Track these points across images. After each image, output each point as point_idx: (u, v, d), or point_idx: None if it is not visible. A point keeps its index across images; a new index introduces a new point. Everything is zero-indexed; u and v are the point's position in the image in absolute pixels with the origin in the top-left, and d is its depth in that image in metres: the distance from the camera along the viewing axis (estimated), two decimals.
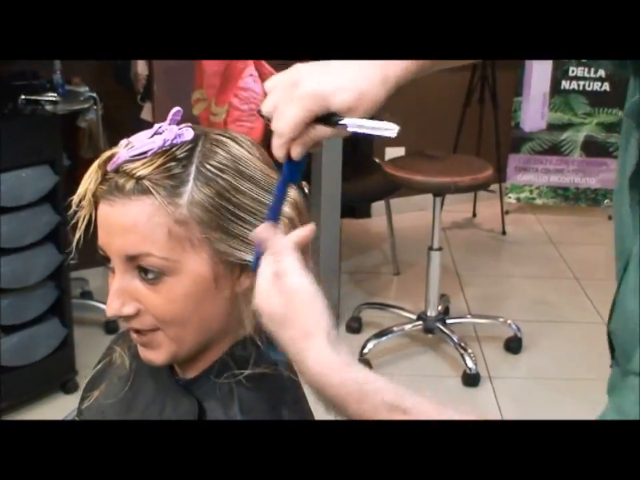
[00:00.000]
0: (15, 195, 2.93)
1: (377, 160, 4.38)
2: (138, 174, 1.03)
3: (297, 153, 1.02)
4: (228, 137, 1.10)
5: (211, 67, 3.27)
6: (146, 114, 3.51)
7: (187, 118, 3.57)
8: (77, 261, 3.42)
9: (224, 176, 1.05)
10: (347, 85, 1.02)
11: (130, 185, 1.03)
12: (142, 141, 1.06)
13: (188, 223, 1.04)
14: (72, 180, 3.69)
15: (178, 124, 1.12)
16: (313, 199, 3.75)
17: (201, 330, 1.10)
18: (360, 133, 1.03)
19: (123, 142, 1.09)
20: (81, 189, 1.07)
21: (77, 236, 1.09)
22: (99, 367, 1.30)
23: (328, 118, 1.02)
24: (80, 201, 1.07)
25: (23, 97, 3.11)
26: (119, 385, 1.22)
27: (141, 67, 3.49)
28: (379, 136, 1.04)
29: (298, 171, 1.06)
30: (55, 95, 3.23)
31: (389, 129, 1.02)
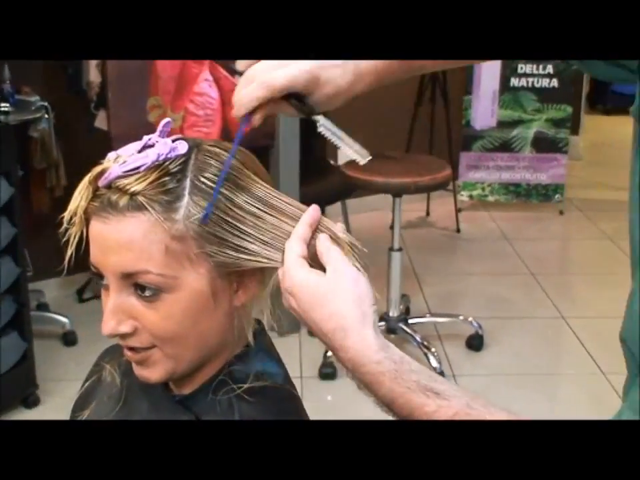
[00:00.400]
0: None
1: (331, 162, 4.37)
2: (132, 190, 1.00)
3: (256, 119, 1.10)
4: (221, 148, 1.07)
5: (166, 72, 3.24)
6: (100, 122, 3.47)
7: (143, 125, 3.52)
8: (32, 272, 3.39)
9: (219, 188, 1.03)
10: (306, 70, 1.07)
11: (124, 201, 1.01)
12: (134, 155, 1.03)
13: (185, 239, 1.02)
14: (25, 191, 3.65)
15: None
16: None
17: (199, 346, 1.07)
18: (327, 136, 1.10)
19: (112, 155, 1.06)
20: (71, 206, 1.04)
21: (68, 254, 1.06)
22: (87, 385, 1.26)
23: (302, 100, 1.09)
24: (71, 218, 1.04)
25: None
26: (110, 404, 1.19)
27: (94, 74, 3.44)
28: (342, 149, 1.10)
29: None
30: (7, 105, 3.18)
31: (360, 154, 1.11)
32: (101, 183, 1.03)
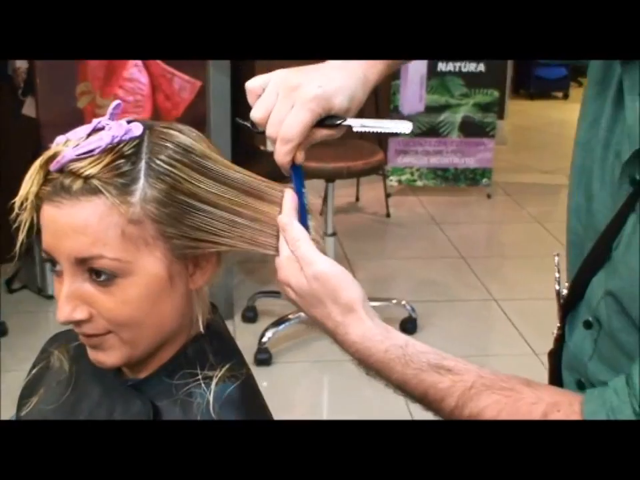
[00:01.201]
0: None
1: (262, 147, 4.35)
2: (86, 173, 0.99)
3: (301, 156, 1.07)
4: (175, 130, 1.06)
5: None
6: (28, 109, 3.39)
7: (72, 111, 3.47)
8: None
9: (175, 170, 1.02)
10: (342, 87, 1.06)
11: (78, 185, 0.99)
12: (87, 139, 1.02)
13: (142, 222, 1.00)
14: None
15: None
16: None
17: (156, 331, 1.06)
18: (368, 132, 1.11)
19: (60, 139, 1.04)
20: (22, 191, 1.01)
21: (20, 240, 1.04)
22: (34, 371, 1.24)
23: (324, 120, 1.06)
24: (22, 204, 1.02)
25: None
26: (59, 389, 1.18)
27: (21, 60, 3.37)
28: (390, 133, 1.10)
29: (302, 175, 1.10)
30: None
31: (403, 126, 1.11)
32: (53, 167, 1.00)
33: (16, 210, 1.02)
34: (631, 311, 0.97)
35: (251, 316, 3.79)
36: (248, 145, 4.41)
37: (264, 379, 3.45)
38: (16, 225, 1.03)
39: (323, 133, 1.07)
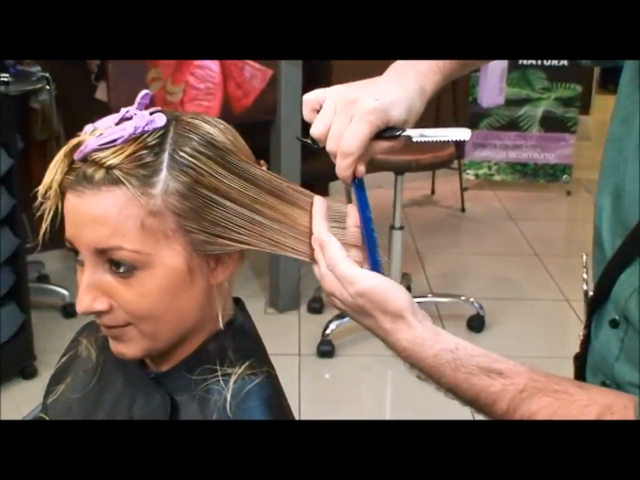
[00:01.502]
0: None
1: None
2: (108, 163, 0.98)
3: (362, 170, 1.06)
4: (201, 121, 1.04)
5: None
6: (100, 94, 3.43)
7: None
8: (32, 244, 3.37)
9: (198, 163, 1.00)
10: (399, 99, 1.06)
11: (99, 174, 0.98)
12: (110, 128, 1.01)
13: (162, 214, 0.99)
14: (25, 162, 3.62)
15: (146, 107, 1.07)
16: None
17: (176, 324, 1.05)
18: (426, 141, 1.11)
19: (88, 128, 1.03)
20: (46, 180, 1.01)
21: (44, 228, 1.04)
22: (64, 359, 1.25)
23: (383, 132, 1.06)
24: (46, 192, 1.02)
25: None
26: (85, 378, 1.18)
27: None
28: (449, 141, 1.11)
29: (365, 189, 1.08)
30: (7, 75, 3.15)
31: (461, 134, 1.11)
32: (77, 156, 1.00)
33: (39, 198, 1.02)
34: None
35: (316, 307, 3.77)
36: None
37: (326, 370, 3.45)
38: (39, 213, 1.03)
39: (383, 145, 1.07)
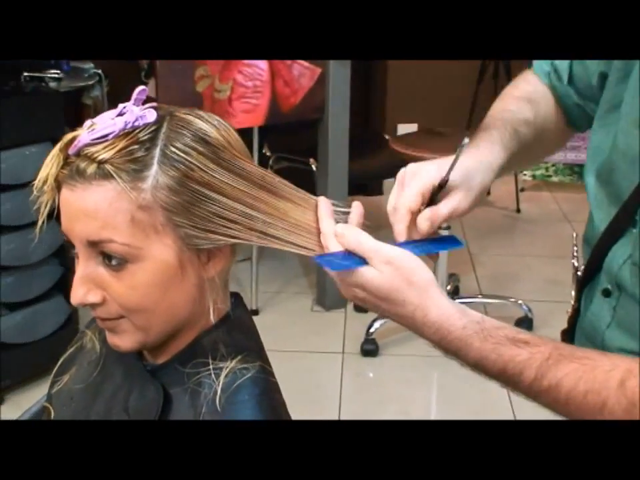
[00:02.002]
0: (17, 172, 2.91)
1: (386, 136, 4.33)
2: (99, 158, 1.00)
3: (425, 228, 1.11)
4: (195, 117, 1.05)
5: None
6: (150, 91, 3.47)
7: (191, 95, 3.51)
8: None
9: (189, 158, 1.01)
10: (456, 166, 1.12)
11: (91, 169, 1.00)
12: (104, 123, 1.03)
13: (152, 208, 1.01)
14: None
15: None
16: (320, 176, 3.72)
17: (168, 318, 1.07)
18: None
19: (87, 123, 1.05)
20: (42, 173, 1.04)
21: (40, 222, 1.06)
22: (70, 350, 1.28)
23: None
24: (43, 186, 1.04)
25: (25, 74, 3.09)
26: (89, 369, 1.21)
27: None
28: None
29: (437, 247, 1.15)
30: (58, 72, 3.21)
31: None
32: (71, 150, 1.02)
33: (35, 192, 1.04)
34: None
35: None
36: (374, 132, 4.41)
37: (370, 369, 3.45)
38: (36, 206, 1.06)
39: (445, 211, 1.12)
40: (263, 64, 3.30)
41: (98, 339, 1.22)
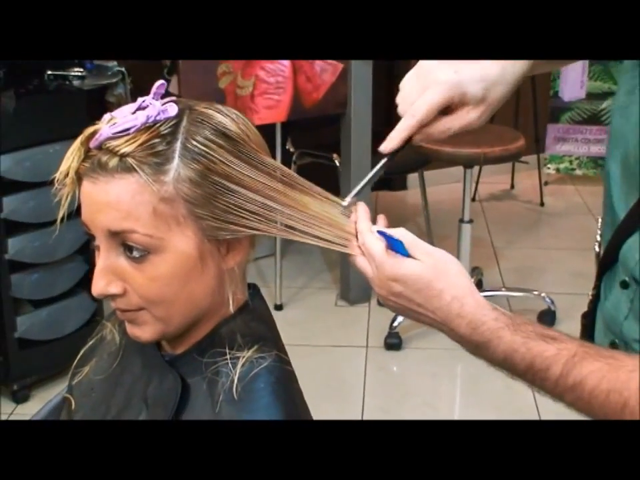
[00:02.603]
0: (42, 170, 2.93)
1: None
2: (121, 151, 1.01)
3: (419, 138, 1.13)
4: (214, 110, 1.07)
5: None
6: (173, 87, 3.49)
7: (213, 91, 3.52)
8: None
9: (210, 151, 1.03)
10: (478, 77, 1.10)
11: (113, 162, 1.01)
12: (125, 117, 1.04)
13: (174, 201, 1.02)
14: None
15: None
16: (343, 172, 3.72)
17: (188, 309, 1.08)
18: None
19: (106, 117, 1.07)
20: (63, 167, 1.05)
21: (61, 214, 1.08)
22: (90, 342, 1.29)
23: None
24: (64, 179, 1.06)
25: (49, 72, 3.11)
26: (109, 360, 1.22)
27: None
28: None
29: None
30: (82, 70, 3.23)
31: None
32: (92, 144, 1.04)
33: (56, 185, 1.06)
34: None
35: None
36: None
37: (393, 363, 3.46)
38: (57, 199, 1.07)
39: (443, 125, 1.12)
40: (285, 60, 3.31)
41: (118, 331, 1.24)
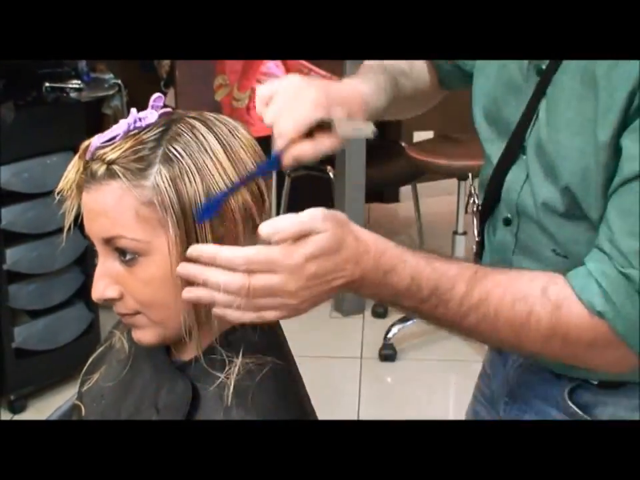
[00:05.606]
0: (39, 181, 2.96)
1: (402, 144, 4.35)
2: (108, 158, 1.06)
3: (295, 153, 1.13)
4: (200, 120, 1.11)
5: None
6: (170, 100, 3.53)
7: (210, 103, 3.55)
8: None
9: (186, 157, 1.06)
10: (347, 96, 1.16)
11: (101, 170, 1.06)
12: (112, 128, 1.09)
13: (153, 204, 1.05)
14: None
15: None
16: (337, 184, 3.75)
17: (184, 311, 1.09)
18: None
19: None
20: (62, 181, 1.10)
21: (67, 226, 1.11)
22: (99, 350, 1.32)
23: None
24: (65, 193, 1.10)
25: (47, 84, 3.14)
26: (118, 368, 1.25)
27: None
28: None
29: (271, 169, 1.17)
30: (79, 82, 3.25)
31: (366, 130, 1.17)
32: (87, 155, 1.08)
33: (56, 198, 1.09)
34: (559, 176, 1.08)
35: (381, 312, 3.78)
36: (391, 139, 4.43)
37: (388, 374, 3.47)
38: (62, 210, 1.11)
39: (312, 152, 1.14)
40: (280, 73, 3.34)
41: (126, 338, 1.26)
